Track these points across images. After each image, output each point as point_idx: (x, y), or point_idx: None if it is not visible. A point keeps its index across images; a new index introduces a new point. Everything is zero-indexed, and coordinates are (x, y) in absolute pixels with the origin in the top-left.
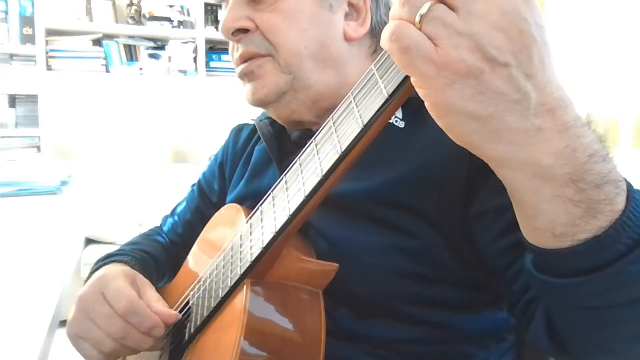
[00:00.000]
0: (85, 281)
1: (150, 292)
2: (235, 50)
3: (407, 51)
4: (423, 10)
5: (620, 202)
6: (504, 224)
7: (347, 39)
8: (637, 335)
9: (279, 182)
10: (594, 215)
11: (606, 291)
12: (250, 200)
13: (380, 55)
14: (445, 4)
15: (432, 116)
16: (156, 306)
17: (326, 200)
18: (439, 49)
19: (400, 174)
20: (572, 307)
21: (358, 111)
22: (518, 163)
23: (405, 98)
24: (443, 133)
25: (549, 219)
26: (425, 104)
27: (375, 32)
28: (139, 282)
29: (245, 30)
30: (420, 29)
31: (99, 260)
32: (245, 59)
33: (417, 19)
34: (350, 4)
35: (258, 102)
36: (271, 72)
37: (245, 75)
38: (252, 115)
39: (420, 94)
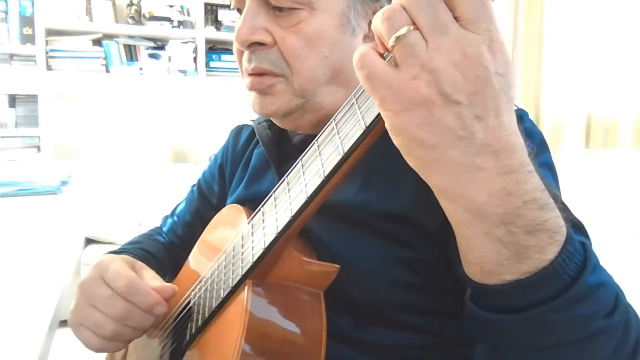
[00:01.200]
0: None
1: (147, 272)
2: (247, 61)
3: (368, 78)
4: (401, 32)
5: (550, 252)
6: None
7: None
8: None
9: (281, 183)
10: (521, 259)
11: (526, 332)
12: (249, 204)
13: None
14: (420, 32)
15: (389, 134)
16: (153, 283)
17: (327, 210)
18: (399, 77)
19: (400, 185)
20: (498, 342)
21: (360, 113)
22: (454, 195)
23: None
24: None
25: (479, 255)
26: (385, 122)
27: None
28: (137, 267)
29: (261, 43)
30: (392, 49)
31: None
32: (256, 73)
33: (393, 40)
34: (369, 24)
35: (265, 115)
36: (283, 93)
37: (254, 90)
38: (252, 115)
39: (381, 114)
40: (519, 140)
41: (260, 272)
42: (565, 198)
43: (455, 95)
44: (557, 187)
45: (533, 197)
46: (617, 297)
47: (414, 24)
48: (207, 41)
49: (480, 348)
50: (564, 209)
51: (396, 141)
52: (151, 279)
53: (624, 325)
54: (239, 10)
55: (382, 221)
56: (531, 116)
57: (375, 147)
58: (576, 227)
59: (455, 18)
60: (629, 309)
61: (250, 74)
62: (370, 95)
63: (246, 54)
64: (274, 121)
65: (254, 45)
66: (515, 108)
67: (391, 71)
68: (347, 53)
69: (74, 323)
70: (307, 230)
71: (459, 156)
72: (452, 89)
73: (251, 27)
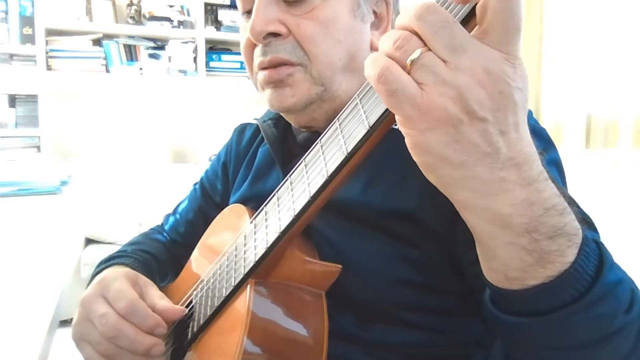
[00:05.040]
0: (88, 283)
1: (153, 291)
2: (261, 54)
3: (394, 94)
4: (414, 55)
5: (570, 255)
6: None
7: (373, 48)
8: None
9: (284, 182)
10: (544, 264)
11: (550, 334)
12: (254, 202)
13: None
14: (435, 55)
15: (411, 153)
16: (161, 304)
17: (331, 208)
18: (424, 94)
19: (406, 184)
20: (520, 343)
21: (364, 112)
22: (479, 209)
23: None
24: None
25: (503, 263)
26: (406, 140)
27: None
28: (141, 283)
29: (275, 34)
30: (409, 73)
31: (100, 263)
32: (274, 64)
33: (408, 62)
34: (374, 13)
35: (283, 110)
36: (302, 82)
37: (272, 82)
38: (252, 115)
39: (402, 132)
40: (534, 150)
41: (263, 271)
42: None
43: (481, 112)
44: (564, 184)
45: (552, 203)
46: (632, 292)
47: (426, 45)
48: (207, 41)
49: (499, 346)
50: (576, 209)
51: (419, 160)
52: (157, 299)
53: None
54: (249, 13)
55: (386, 220)
56: (533, 116)
57: (381, 146)
58: (587, 223)
59: (475, 35)
60: None
61: (264, 68)
62: (394, 112)
63: (258, 48)
64: (288, 118)
65: (269, 37)
66: None
67: (417, 89)
68: (359, 39)
69: (75, 338)
70: (311, 228)
71: (485, 172)
72: (478, 106)
73: (265, 19)
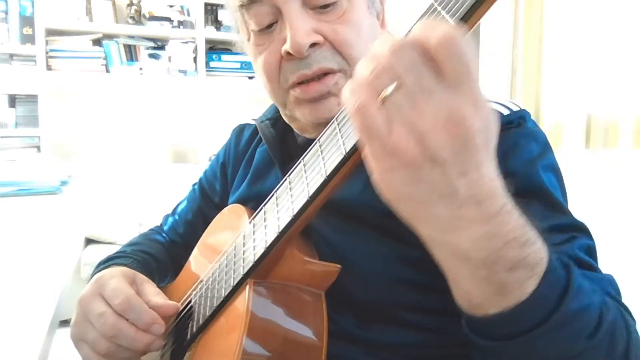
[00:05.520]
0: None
1: (149, 287)
2: (301, 67)
3: (365, 129)
4: (387, 91)
5: (530, 286)
6: None
7: None
8: None
9: (283, 182)
10: (503, 294)
11: (515, 355)
12: (253, 203)
13: None
14: (405, 93)
15: (377, 187)
16: (155, 300)
17: (330, 208)
18: (391, 135)
19: None
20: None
21: None
22: (440, 243)
23: None
24: None
25: (466, 291)
26: (372, 176)
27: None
28: (138, 281)
29: (312, 45)
30: (381, 104)
31: (100, 263)
32: (318, 75)
33: (382, 97)
34: (380, 2)
35: (327, 121)
36: None
37: (321, 97)
38: (252, 115)
39: (368, 165)
40: (497, 183)
41: (262, 271)
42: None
43: (442, 156)
44: (562, 188)
45: (513, 235)
46: (599, 318)
47: (398, 81)
48: (207, 41)
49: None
50: (549, 233)
51: (384, 195)
52: (153, 295)
53: (608, 341)
54: (268, 28)
55: (386, 219)
56: (531, 116)
57: None
58: (579, 229)
59: (440, 79)
60: (616, 324)
61: (302, 83)
62: (364, 142)
63: (291, 63)
64: (312, 128)
65: (308, 49)
66: (518, 108)
67: (386, 129)
68: (377, 35)
69: (74, 338)
70: (311, 228)
71: (444, 211)
72: (438, 149)
73: (305, 30)
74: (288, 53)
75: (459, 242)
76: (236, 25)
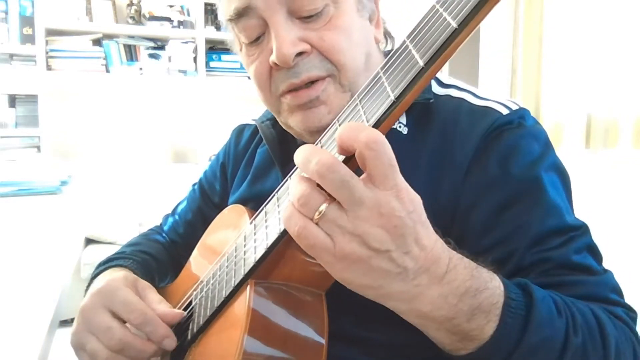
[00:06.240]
0: (87, 286)
1: (152, 295)
2: (290, 76)
3: (313, 247)
4: (321, 209)
5: (489, 330)
6: (490, 241)
7: (376, 42)
8: None
9: (284, 182)
10: (468, 340)
11: None
12: (253, 203)
13: (387, 59)
14: (338, 204)
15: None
16: (160, 308)
17: None
18: (336, 245)
19: None
20: None
21: (364, 113)
22: (406, 311)
23: (411, 101)
24: (445, 140)
25: (438, 340)
26: (332, 275)
27: (384, 30)
28: (140, 288)
29: (300, 53)
30: (317, 224)
31: (99, 265)
32: (305, 83)
33: (316, 215)
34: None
35: (320, 129)
36: (335, 95)
37: (306, 104)
38: (252, 115)
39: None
40: (438, 246)
41: (263, 272)
42: None
43: (384, 246)
44: (566, 187)
45: (465, 288)
46: (564, 343)
47: (330, 196)
48: (207, 41)
49: None
50: (549, 234)
51: (347, 286)
52: (157, 303)
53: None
54: (257, 40)
55: None
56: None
57: None
58: (578, 229)
59: (366, 180)
60: (586, 344)
61: (292, 90)
62: (315, 258)
63: (281, 72)
64: (308, 135)
65: (295, 58)
66: (517, 107)
67: (329, 241)
68: (369, 37)
69: (74, 345)
70: None
71: (401, 286)
72: (379, 244)
73: (290, 40)
74: (276, 64)
75: (420, 307)
76: (231, 35)
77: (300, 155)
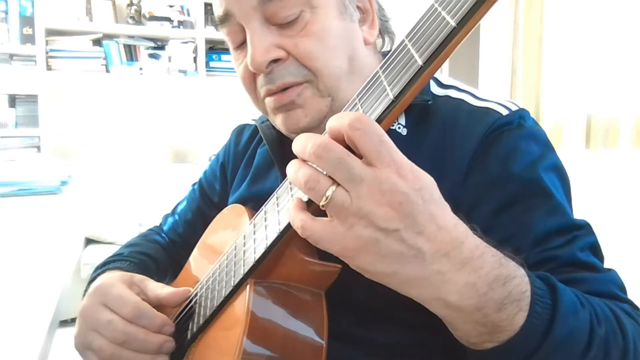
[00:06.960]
0: (87, 286)
1: (152, 283)
2: (266, 82)
3: (317, 242)
4: (327, 194)
5: (520, 320)
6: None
7: (366, 44)
8: None
9: (284, 182)
10: (497, 332)
11: None
12: (253, 202)
13: (386, 59)
14: (341, 186)
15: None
16: (164, 291)
17: None
18: (338, 231)
19: None
20: None
21: (363, 112)
22: (431, 301)
23: (410, 100)
24: (445, 141)
25: (464, 333)
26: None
27: (381, 30)
28: (137, 281)
29: (275, 60)
30: (324, 208)
31: (97, 268)
32: (282, 89)
33: (323, 201)
34: (358, 9)
35: (299, 131)
36: (312, 99)
37: (284, 106)
38: (252, 115)
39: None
40: (460, 229)
41: (262, 271)
42: None
43: (391, 225)
44: (565, 187)
45: (494, 276)
46: (590, 334)
47: (332, 179)
48: (207, 41)
49: None
50: (552, 233)
51: (368, 277)
52: (159, 288)
53: (603, 352)
54: (241, 46)
55: None
56: (530, 114)
57: None
58: (581, 228)
59: (363, 159)
60: (609, 334)
61: (272, 94)
62: (327, 251)
63: (261, 77)
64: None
65: (271, 65)
66: (517, 108)
67: (331, 229)
68: (354, 39)
69: (79, 347)
70: None
71: (419, 271)
72: (386, 222)
73: (263, 47)
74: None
75: (446, 296)
76: None
77: (297, 143)
